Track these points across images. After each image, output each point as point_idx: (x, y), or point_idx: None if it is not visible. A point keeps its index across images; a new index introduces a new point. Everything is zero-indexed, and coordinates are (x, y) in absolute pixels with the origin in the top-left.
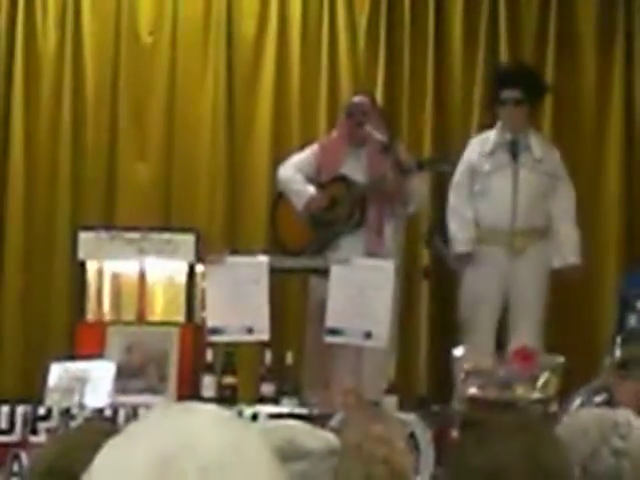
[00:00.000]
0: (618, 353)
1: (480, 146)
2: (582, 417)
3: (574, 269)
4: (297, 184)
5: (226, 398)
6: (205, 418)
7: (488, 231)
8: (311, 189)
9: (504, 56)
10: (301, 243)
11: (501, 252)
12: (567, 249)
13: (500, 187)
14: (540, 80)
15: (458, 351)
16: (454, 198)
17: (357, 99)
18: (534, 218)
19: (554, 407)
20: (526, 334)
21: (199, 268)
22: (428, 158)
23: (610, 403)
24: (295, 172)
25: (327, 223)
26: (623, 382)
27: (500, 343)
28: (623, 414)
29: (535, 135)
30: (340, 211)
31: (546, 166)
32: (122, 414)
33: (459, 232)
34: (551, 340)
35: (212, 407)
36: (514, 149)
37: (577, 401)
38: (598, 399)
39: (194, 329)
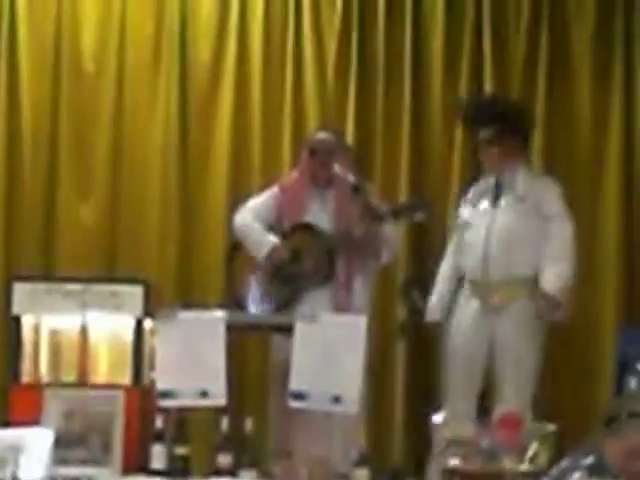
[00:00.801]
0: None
1: (470, 194)
2: None
3: (549, 300)
4: (257, 233)
5: (178, 470)
6: None
7: (469, 285)
8: (272, 238)
9: (489, 85)
10: None
11: (481, 307)
12: (544, 278)
13: (475, 236)
14: (515, 113)
15: (437, 417)
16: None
17: (322, 135)
18: (514, 269)
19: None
20: (511, 400)
21: (148, 324)
22: (404, 205)
23: (600, 465)
24: (253, 219)
25: (290, 278)
26: (612, 440)
27: (485, 409)
28: None
29: (525, 171)
30: (305, 264)
31: (529, 203)
32: None
33: (432, 297)
34: (543, 406)
35: None
36: (497, 192)
37: (563, 464)
38: (587, 462)
39: (142, 392)
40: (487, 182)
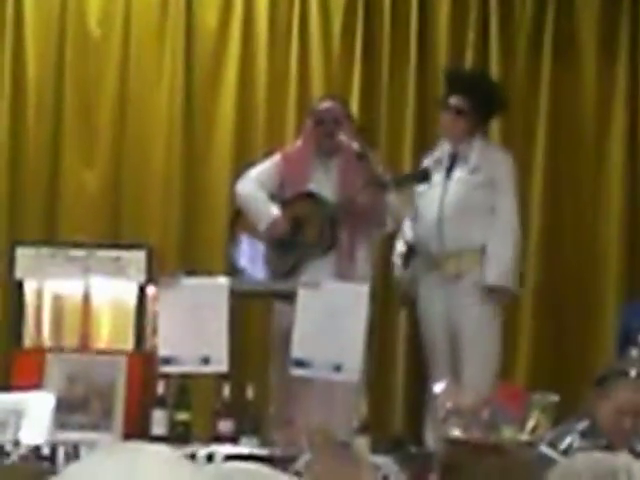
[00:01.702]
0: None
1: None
2: (577, 464)
3: (500, 293)
4: (258, 203)
5: (179, 436)
6: (153, 461)
7: (423, 257)
8: (274, 210)
9: (495, 64)
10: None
11: (438, 278)
12: (487, 268)
13: (428, 208)
14: (494, 92)
15: (438, 387)
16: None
17: (328, 104)
18: (468, 238)
19: (545, 449)
20: (472, 366)
21: (151, 290)
22: (405, 176)
23: (593, 429)
24: (256, 188)
25: (293, 246)
26: (602, 400)
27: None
28: (623, 460)
29: (480, 142)
30: (307, 233)
31: (481, 176)
32: (61, 453)
33: (396, 270)
34: (544, 378)
35: (162, 448)
36: (451, 163)
37: (558, 429)
38: (580, 426)
39: (144, 358)
40: (442, 151)
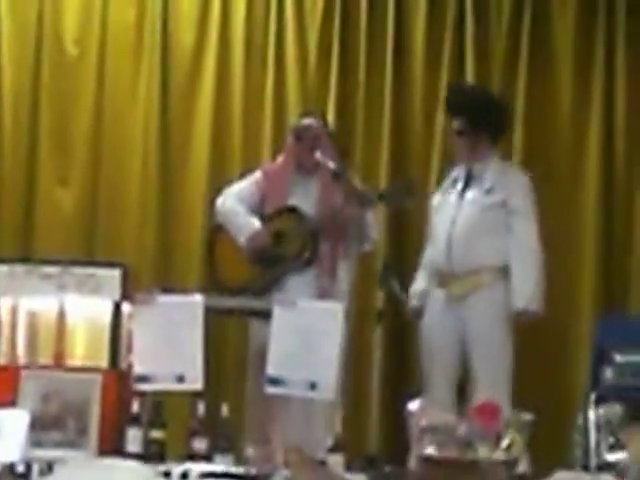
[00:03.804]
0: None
1: (445, 181)
2: None
3: (524, 316)
4: (239, 217)
5: (153, 454)
6: (126, 477)
7: (435, 275)
8: (255, 223)
9: (470, 71)
10: (242, 281)
11: (447, 297)
12: (515, 292)
13: (441, 226)
14: (492, 110)
15: (413, 405)
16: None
17: (309, 121)
18: (477, 259)
19: (520, 469)
20: (487, 388)
21: (126, 307)
22: (390, 189)
23: None
24: (236, 203)
25: (273, 260)
26: None
27: (465, 398)
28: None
29: (496, 163)
30: (288, 247)
31: (495, 197)
32: (36, 470)
33: (414, 283)
34: (518, 395)
35: (136, 465)
36: (467, 182)
37: None
38: None
39: (119, 376)
40: (460, 170)
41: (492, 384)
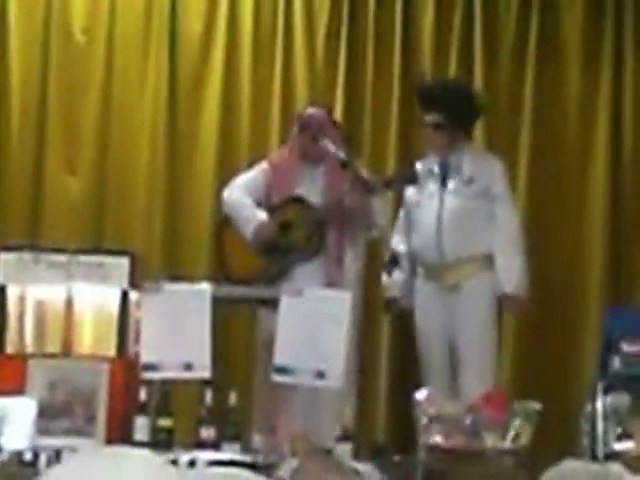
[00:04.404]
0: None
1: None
2: (568, 471)
3: (512, 301)
4: (245, 209)
5: (161, 442)
6: (136, 465)
7: (422, 267)
8: (261, 214)
9: (478, 69)
10: (250, 270)
11: (437, 288)
12: (502, 278)
13: (426, 219)
14: (468, 101)
15: (420, 394)
16: (394, 237)
17: (312, 111)
18: (467, 248)
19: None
20: (471, 375)
21: (133, 296)
22: (396, 175)
23: None
24: (243, 195)
25: (280, 251)
26: None
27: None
28: (615, 468)
29: (470, 152)
30: (295, 236)
31: (477, 186)
32: (43, 458)
33: (394, 274)
34: (526, 384)
35: (144, 453)
36: (443, 173)
37: None
38: None
39: (126, 364)
40: (432, 162)
41: (476, 371)
